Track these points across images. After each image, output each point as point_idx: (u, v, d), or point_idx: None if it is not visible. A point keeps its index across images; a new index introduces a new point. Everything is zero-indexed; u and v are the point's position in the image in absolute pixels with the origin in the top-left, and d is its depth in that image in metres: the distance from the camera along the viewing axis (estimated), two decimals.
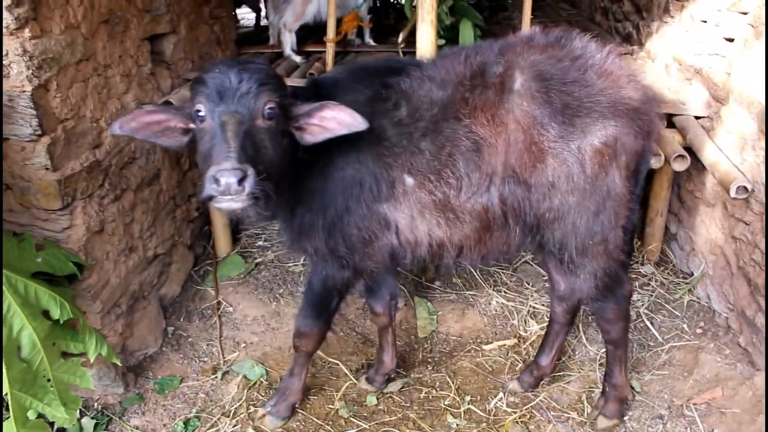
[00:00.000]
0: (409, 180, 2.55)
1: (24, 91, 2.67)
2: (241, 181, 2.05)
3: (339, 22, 4.88)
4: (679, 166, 3.40)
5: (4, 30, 2.56)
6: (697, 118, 3.76)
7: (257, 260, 4.47)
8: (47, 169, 2.83)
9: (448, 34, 4.42)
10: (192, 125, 2.38)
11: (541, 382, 3.39)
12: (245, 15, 9.84)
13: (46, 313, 2.67)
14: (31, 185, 2.85)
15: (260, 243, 4.65)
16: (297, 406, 3.24)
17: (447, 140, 2.51)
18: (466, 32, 4.33)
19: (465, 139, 2.49)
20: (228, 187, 2.05)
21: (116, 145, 3.33)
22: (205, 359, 3.65)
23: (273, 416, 3.20)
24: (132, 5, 3.52)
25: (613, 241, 2.68)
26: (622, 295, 2.91)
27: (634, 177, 2.67)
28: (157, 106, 2.56)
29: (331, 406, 3.30)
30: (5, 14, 2.53)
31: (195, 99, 2.30)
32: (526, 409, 3.25)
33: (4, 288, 2.49)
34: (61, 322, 2.71)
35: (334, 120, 2.38)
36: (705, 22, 3.81)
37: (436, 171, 2.52)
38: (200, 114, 2.27)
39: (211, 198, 2.11)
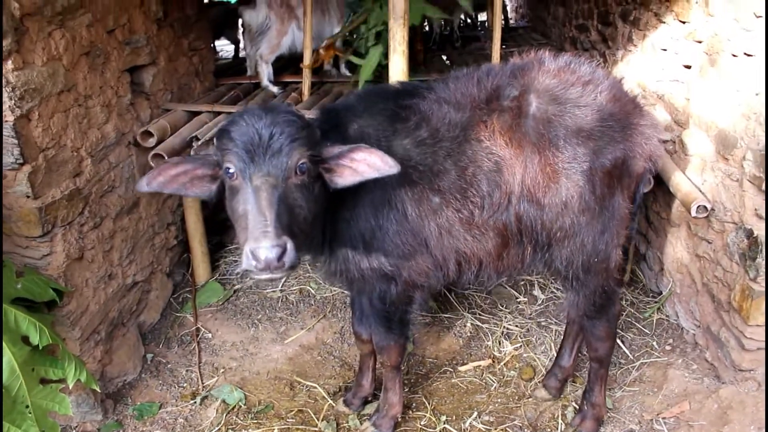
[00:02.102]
0: (435, 199, 2.61)
1: (6, 121, 2.74)
2: (280, 256, 2.03)
3: (315, 51, 5.00)
4: (644, 188, 3.52)
5: None
6: (661, 141, 3.90)
7: (236, 287, 4.51)
8: (28, 197, 2.88)
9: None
10: (219, 172, 2.35)
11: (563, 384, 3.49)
12: (224, 47, 9.99)
13: (25, 339, 2.70)
14: (12, 213, 2.90)
15: (239, 270, 4.68)
16: (399, 419, 3.28)
17: (470, 161, 2.59)
18: (374, 58, 4.56)
19: (487, 160, 2.59)
20: (268, 264, 2.02)
21: (96, 173, 3.40)
22: (184, 385, 3.67)
23: (376, 429, 3.26)
24: (112, 38, 3.61)
25: (614, 259, 2.84)
26: (613, 314, 3.05)
27: (634, 197, 2.84)
28: (181, 157, 2.57)
29: (313, 428, 3.34)
30: None
31: (224, 156, 2.25)
32: (501, 428, 3.31)
33: None
34: (41, 347, 2.74)
35: (365, 162, 2.34)
36: (665, 50, 3.98)
37: (461, 190, 2.61)
38: (230, 171, 2.23)
39: (250, 271, 2.09)
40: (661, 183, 3.69)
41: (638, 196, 2.89)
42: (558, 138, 2.54)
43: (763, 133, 2.86)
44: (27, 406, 2.65)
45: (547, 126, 2.55)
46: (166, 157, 3.67)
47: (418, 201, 2.60)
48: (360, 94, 2.89)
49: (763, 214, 2.91)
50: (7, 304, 2.65)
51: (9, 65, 2.71)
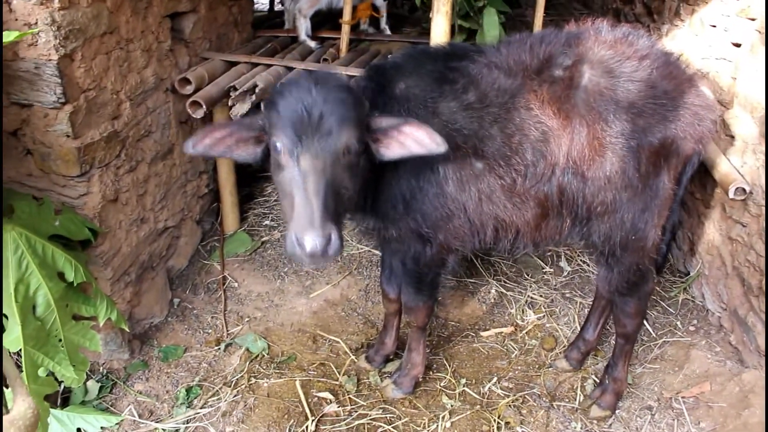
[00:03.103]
0: (478, 164, 2.58)
1: (50, 60, 2.76)
2: (325, 246, 2.06)
3: (354, 9, 4.95)
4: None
5: (35, 0, 2.64)
6: None
7: (263, 239, 4.55)
8: (68, 136, 2.92)
9: (472, 24, 4.50)
10: (265, 136, 2.35)
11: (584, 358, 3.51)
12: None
13: (61, 275, 2.76)
14: (52, 151, 2.94)
15: (267, 222, 4.74)
16: (420, 379, 3.34)
17: (517, 128, 2.54)
18: (491, 19, 4.38)
19: (534, 129, 2.53)
20: (314, 252, 2.05)
21: (134, 117, 3.42)
22: (209, 331, 3.74)
23: (396, 388, 3.32)
24: None
25: (652, 238, 2.81)
26: (645, 292, 3.04)
27: (680, 179, 2.79)
28: (227, 121, 2.57)
29: (334, 381, 3.40)
30: None
31: (272, 129, 2.25)
32: (519, 395, 3.34)
33: (23, 247, 2.58)
34: (75, 285, 2.81)
35: (413, 137, 2.31)
36: (714, 26, 3.88)
37: (505, 157, 2.56)
38: (278, 147, 2.21)
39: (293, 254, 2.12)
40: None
41: (684, 178, 2.82)
42: (608, 112, 2.49)
43: None
44: (60, 340, 2.73)
45: (598, 99, 2.50)
46: (204, 105, 3.68)
47: (461, 165, 2.57)
48: (409, 54, 2.82)
49: None
50: (44, 240, 2.71)
51: (55, 4, 2.71)
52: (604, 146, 2.52)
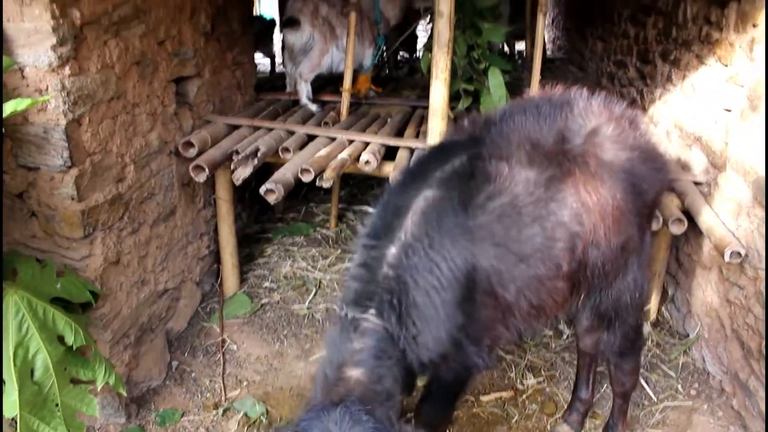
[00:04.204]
0: (522, 266, 2.43)
1: (59, 125, 2.83)
2: None
3: (354, 78, 5.09)
4: (677, 229, 3.54)
5: (47, 66, 2.73)
6: (696, 183, 3.90)
7: (263, 301, 4.55)
8: (73, 199, 2.96)
9: (477, 85, 4.61)
10: None
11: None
12: (259, 61, 10.14)
13: (60, 339, 2.76)
14: (56, 214, 2.98)
15: (267, 284, 4.74)
16: None
17: (558, 221, 2.43)
18: (496, 80, 4.48)
19: (572, 214, 2.46)
20: None
21: (138, 180, 3.47)
22: (207, 395, 3.70)
23: None
24: (162, 49, 3.70)
25: (646, 293, 2.93)
26: (640, 346, 3.08)
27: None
28: None
29: None
30: (49, 52, 2.71)
31: None
32: None
33: (24, 311, 2.59)
34: (74, 348, 2.80)
35: None
36: (705, 92, 3.99)
37: (548, 249, 2.45)
38: None
39: None
40: (693, 225, 3.67)
41: None
42: (625, 181, 2.54)
43: None
44: (57, 405, 2.70)
45: (617, 170, 2.52)
46: (207, 169, 3.74)
47: (505, 272, 2.41)
48: (411, 172, 2.62)
49: None
50: (45, 303, 2.71)
51: (66, 71, 2.80)
52: (623, 215, 2.56)
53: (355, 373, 2.17)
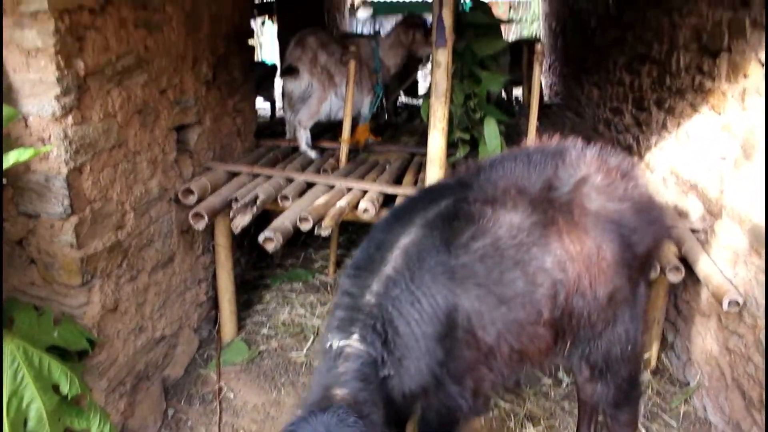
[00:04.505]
0: (503, 308, 2.45)
1: (60, 173, 2.87)
2: None
3: (353, 128, 5.15)
4: (674, 277, 3.54)
5: (51, 116, 2.78)
6: (693, 231, 3.92)
7: (261, 348, 4.52)
8: (72, 246, 2.98)
9: (473, 132, 4.66)
10: None
11: None
12: (260, 105, 10.28)
13: (55, 388, 2.74)
14: (56, 261, 2.99)
15: (264, 331, 4.72)
16: None
17: (539, 267, 2.45)
18: (491, 129, 4.54)
19: (555, 261, 2.47)
20: None
21: (137, 227, 3.49)
22: None
23: None
24: (164, 97, 3.77)
25: (641, 345, 2.86)
26: (636, 397, 3.03)
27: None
28: None
29: None
30: (53, 102, 2.76)
31: None
32: None
33: (20, 359, 2.58)
34: (69, 397, 2.78)
35: None
36: (699, 139, 4.03)
37: (529, 295, 2.47)
38: None
39: None
40: (691, 272, 3.68)
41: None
42: (612, 232, 2.54)
43: None
44: None
45: (603, 221, 2.54)
46: (206, 217, 3.76)
47: (486, 314, 2.43)
48: (395, 214, 2.66)
49: None
50: (42, 352, 2.70)
51: (69, 120, 2.86)
52: (610, 266, 2.55)
53: (340, 392, 2.17)
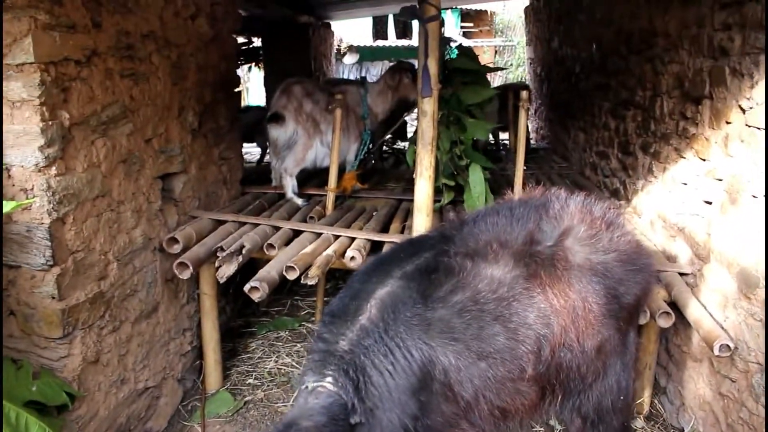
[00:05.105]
0: (482, 364, 2.41)
1: (42, 224, 2.83)
2: None
3: (339, 177, 5.17)
4: (664, 323, 3.51)
5: (34, 166, 2.76)
6: (682, 274, 3.91)
7: (246, 398, 4.43)
8: (53, 298, 2.92)
9: (458, 179, 4.67)
10: None
11: None
12: (249, 150, 10.28)
13: None
14: (36, 313, 2.93)
15: (250, 380, 4.63)
16: None
17: (521, 321, 2.41)
18: (476, 176, 4.56)
19: (538, 316, 2.44)
20: None
21: (120, 277, 3.44)
22: None
23: None
24: (149, 146, 3.76)
25: (632, 393, 2.83)
26: None
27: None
28: None
29: None
30: (37, 153, 2.74)
31: None
32: None
33: None
34: None
35: None
36: (685, 184, 4.06)
37: (510, 350, 2.42)
38: None
39: None
40: (681, 316, 3.66)
41: None
42: (598, 284, 2.53)
43: None
44: None
45: (588, 274, 2.52)
46: (191, 266, 3.71)
47: (461, 369, 2.39)
48: (372, 266, 2.65)
49: None
50: (19, 407, 2.63)
51: (53, 171, 2.84)
52: (596, 318, 2.53)
53: (305, 423, 2.14)
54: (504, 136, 9.90)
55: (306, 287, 5.92)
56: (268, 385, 4.56)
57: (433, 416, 2.38)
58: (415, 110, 6.49)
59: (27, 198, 2.80)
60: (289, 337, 5.23)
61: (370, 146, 6.10)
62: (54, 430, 2.72)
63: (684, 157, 4.10)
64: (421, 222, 3.70)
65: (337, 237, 4.21)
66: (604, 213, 2.70)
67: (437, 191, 4.41)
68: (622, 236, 2.68)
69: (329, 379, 2.27)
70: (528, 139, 10.13)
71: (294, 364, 4.81)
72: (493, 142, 9.79)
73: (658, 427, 4.13)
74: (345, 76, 11.76)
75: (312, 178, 5.82)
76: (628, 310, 2.64)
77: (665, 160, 4.44)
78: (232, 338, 5.09)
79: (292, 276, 3.67)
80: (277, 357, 4.90)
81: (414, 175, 3.96)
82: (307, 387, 2.29)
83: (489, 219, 2.63)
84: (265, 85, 9.99)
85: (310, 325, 5.44)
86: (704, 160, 3.77)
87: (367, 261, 2.76)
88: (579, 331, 2.48)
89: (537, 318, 2.43)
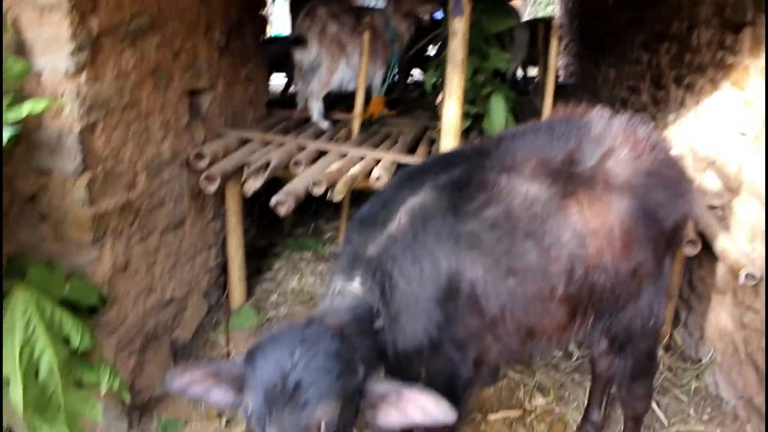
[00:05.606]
0: (512, 280, 2.38)
1: (72, 130, 2.85)
2: None
3: (367, 101, 5.12)
4: (691, 250, 3.50)
5: (64, 72, 2.77)
6: (710, 207, 3.87)
7: (269, 315, 4.53)
8: (84, 203, 2.96)
9: (480, 108, 4.60)
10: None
11: None
12: (275, 82, 10.17)
13: (66, 341, 2.74)
14: (67, 217, 2.98)
15: (273, 298, 4.72)
16: None
17: (554, 240, 2.37)
18: (498, 105, 4.49)
19: (573, 237, 2.39)
20: None
21: (149, 188, 3.48)
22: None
23: None
24: (177, 61, 3.74)
25: (661, 319, 2.80)
26: (652, 372, 3.00)
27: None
28: (209, 363, 2.41)
29: None
30: (67, 59, 2.74)
31: (246, 387, 1.93)
32: None
33: (32, 309, 2.57)
34: (80, 351, 2.77)
35: (415, 405, 1.93)
36: (719, 116, 3.97)
37: (541, 269, 2.39)
38: (247, 409, 1.91)
39: None
40: (706, 249, 3.63)
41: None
42: (637, 207, 2.45)
43: None
44: (59, 407, 2.67)
45: (628, 196, 2.44)
46: (218, 180, 3.74)
47: (492, 284, 2.36)
48: (404, 177, 2.59)
49: None
50: (53, 304, 2.70)
51: (83, 77, 2.84)
52: (633, 241, 2.47)
53: (328, 319, 2.14)
54: (533, 73, 9.70)
55: (330, 211, 5.95)
56: (291, 303, 4.65)
57: (458, 327, 2.39)
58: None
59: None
60: (312, 258, 5.30)
61: (396, 73, 6.01)
62: (86, 328, 2.80)
63: (719, 88, 4.00)
64: (449, 144, 3.67)
65: (362, 158, 4.20)
66: (648, 135, 2.60)
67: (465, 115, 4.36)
68: (666, 160, 2.59)
69: (358, 280, 2.29)
70: (556, 74, 9.94)
71: (317, 283, 4.88)
72: (522, 76, 9.61)
73: (676, 358, 4.17)
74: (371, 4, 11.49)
75: (339, 102, 5.77)
76: (666, 235, 2.58)
77: (699, 92, 4.34)
78: (256, 257, 5.17)
79: (318, 191, 3.68)
80: (300, 276, 4.97)
81: (437, 102, 3.89)
82: (334, 288, 2.32)
83: (528, 136, 2.56)
84: (291, 11, 9.80)
85: (333, 248, 5.50)
86: (742, 90, 3.67)
87: (400, 172, 2.68)
88: (614, 254, 2.43)
89: (572, 238, 2.39)
